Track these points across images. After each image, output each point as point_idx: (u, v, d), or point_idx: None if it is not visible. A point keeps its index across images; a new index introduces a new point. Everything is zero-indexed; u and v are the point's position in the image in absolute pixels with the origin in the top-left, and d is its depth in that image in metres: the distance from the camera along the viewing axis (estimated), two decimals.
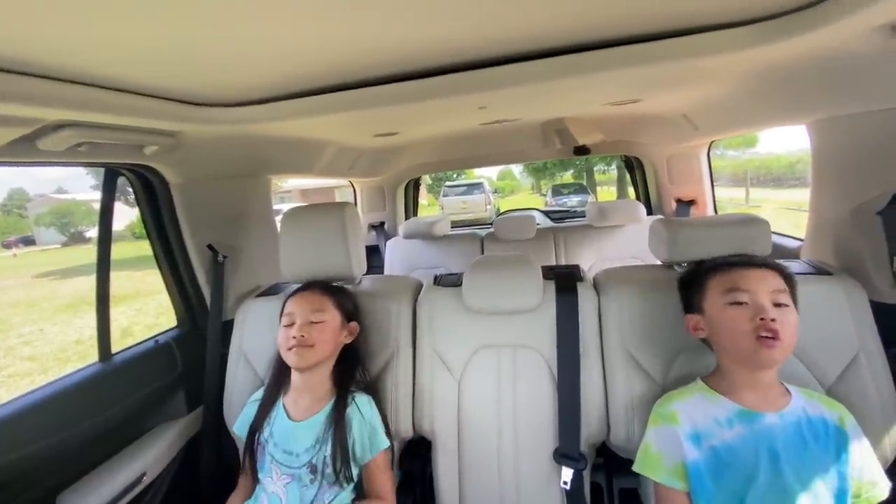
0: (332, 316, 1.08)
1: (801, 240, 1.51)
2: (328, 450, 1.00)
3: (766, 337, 0.79)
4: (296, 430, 1.03)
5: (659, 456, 0.88)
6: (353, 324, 1.13)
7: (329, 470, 0.99)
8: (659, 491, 0.88)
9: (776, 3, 0.76)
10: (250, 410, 1.11)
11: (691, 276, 0.99)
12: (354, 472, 1.02)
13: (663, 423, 0.89)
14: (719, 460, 0.83)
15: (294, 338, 1.02)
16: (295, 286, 1.18)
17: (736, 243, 1.11)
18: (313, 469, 1.00)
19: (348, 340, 1.11)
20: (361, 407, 1.05)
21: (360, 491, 1.05)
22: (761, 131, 2.05)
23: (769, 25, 0.81)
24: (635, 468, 0.92)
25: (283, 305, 1.10)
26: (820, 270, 1.11)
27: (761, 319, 0.80)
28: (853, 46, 0.82)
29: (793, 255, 1.55)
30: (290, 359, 1.03)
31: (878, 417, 0.95)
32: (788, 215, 8.28)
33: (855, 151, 1.11)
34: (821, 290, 1.05)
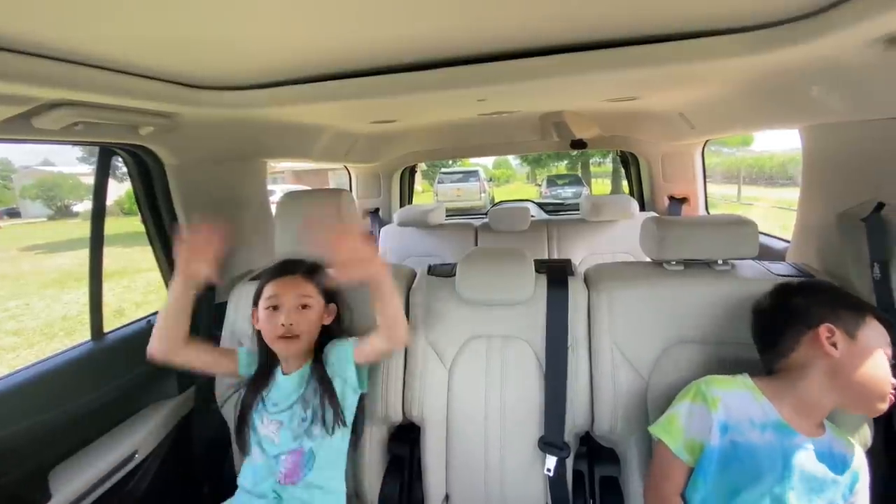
0: (317, 301, 1.08)
1: (789, 241, 1.54)
2: (317, 399, 1.04)
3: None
4: (285, 381, 1.08)
5: (683, 429, 0.89)
6: (332, 305, 1.13)
7: (319, 414, 1.04)
8: (663, 455, 0.91)
9: (775, 12, 0.77)
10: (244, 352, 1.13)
11: (847, 297, 0.94)
12: (348, 417, 1.07)
13: (702, 402, 0.89)
14: (735, 454, 0.85)
15: (283, 325, 1.02)
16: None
17: (725, 244, 1.14)
18: (304, 408, 1.04)
19: (328, 322, 1.12)
20: (331, 351, 1.10)
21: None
22: (756, 132, 2.07)
23: (767, 34, 0.82)
24: (652, 429, 0.93)
25: (262, 287, 1.09)
26: (804, 273, 1.14)
27: None
28: (848, 57, 0.84)
29: (779, 256, 1.58)
30: (276, 346, 1.05)
31: (849, 415, 0.99)
32: (779, 214, 8.38)
33: (844, 158, 1.13)
34: None
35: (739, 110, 1.44)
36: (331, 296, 1.13)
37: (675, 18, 0.81)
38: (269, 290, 1.07)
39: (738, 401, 0.88)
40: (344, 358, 1.08)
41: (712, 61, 0.90)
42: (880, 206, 1.02)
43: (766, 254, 1.68)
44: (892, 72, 0.85)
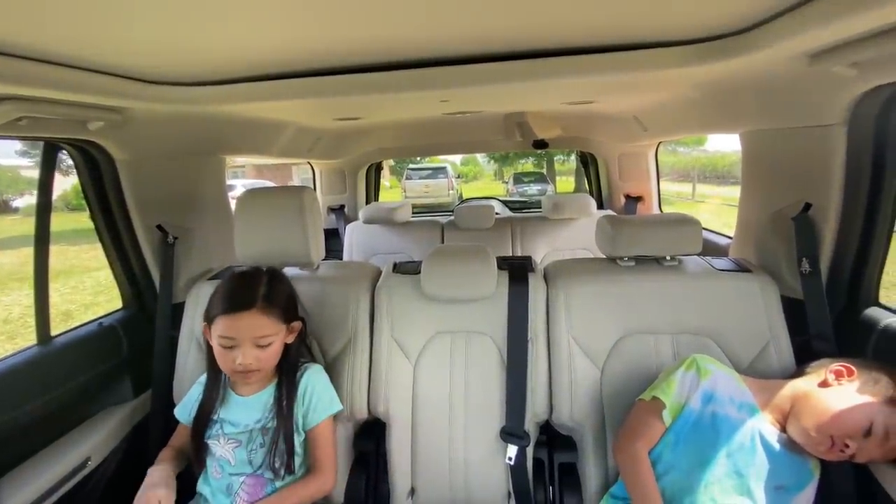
0: (277, 330, 0.99)
1: (731, 237, 1.66)
2: (272, 433, 1.01)
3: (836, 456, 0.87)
4: (244, 404, 1.04)
5: (675, 393, 0.98)
6: (296, 323, 1.06)
7: (272, 453, 1.00)
8: (648, 415, 0.99)
9: (711, 28, 0.84)
10: (195, 392, 1.09)
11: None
12: (296, 463, 1.02)
13: (694, 370, 0.99)
14: (712, 424, 0.94)
15: (240, 364, 0.94)
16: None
17: (672, 241, 1.21)
18: (264, 435, 1.01)
19: (291, 340, 1.05)
20: (307, 379, 1.06)
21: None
22: (701, 135, 2.20)
23: (705, 47, 0.89)
24: (651, 392, 1.01)
25: (214, 315, 0.97)
26: (742, 268, 1.23)
27: (846, 449, 0.85)
28: (777, 70, 0.92)
29: (724, 251, 1.70)
30: (234, 379, 0.99)
31: None
32: (727, 211, 8.88)
33: (777, 162, 1.23)
34: (741, 285, 1.17)
35: (686, 115, 1.53)
36: (293, 313, 1.06)
37: (626, 30, 0.86)
38: (222, 327, 0.95)
39: (724, 379, 0.99)
40: (313, 411, 1.04)
41: (658, 70, 0.97)
42: (807, 206, 1.12)
43: (713, 249, 1.80)
44: (815, 84, 0.94)
